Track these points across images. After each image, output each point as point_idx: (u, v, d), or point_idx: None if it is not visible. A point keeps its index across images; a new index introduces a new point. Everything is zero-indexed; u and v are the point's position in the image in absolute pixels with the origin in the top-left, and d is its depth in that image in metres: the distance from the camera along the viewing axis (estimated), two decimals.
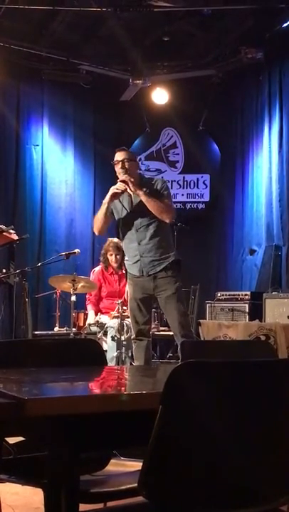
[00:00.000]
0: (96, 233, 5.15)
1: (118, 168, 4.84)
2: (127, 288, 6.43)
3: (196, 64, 8.13)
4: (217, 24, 7.28)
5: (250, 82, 8.17)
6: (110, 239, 6.81)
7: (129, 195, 4.85)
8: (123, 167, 4.79)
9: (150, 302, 4.92)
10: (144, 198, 4.71)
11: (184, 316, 4.87)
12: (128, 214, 4.85)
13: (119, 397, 1.68)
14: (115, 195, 4.80)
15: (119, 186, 4.77)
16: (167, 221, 4.80)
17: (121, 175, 4.80)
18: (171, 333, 5.16)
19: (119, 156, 4.88)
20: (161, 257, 4.79)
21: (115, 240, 6.76)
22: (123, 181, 4.75)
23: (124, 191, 4.78)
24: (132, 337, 4.98)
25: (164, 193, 4.84)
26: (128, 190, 4.76)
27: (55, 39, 7.66)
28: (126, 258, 5.01)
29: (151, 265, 4.78)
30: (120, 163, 4.83)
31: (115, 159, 4.89)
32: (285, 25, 6.98)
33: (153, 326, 5.94)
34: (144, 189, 4.75)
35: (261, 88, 7.97)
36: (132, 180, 4.72)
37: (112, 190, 4.80)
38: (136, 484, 1.51)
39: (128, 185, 4.71)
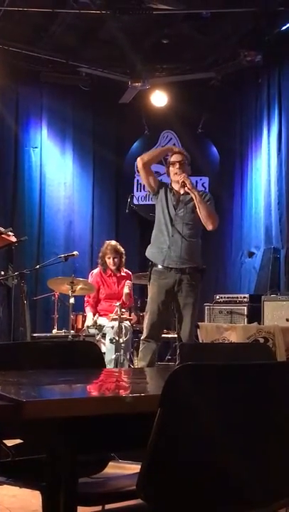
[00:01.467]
0: (138, 163, 5.18)
1: (175, 169, 5.03)
2: (126, 289, 6.46)
3: (196, 67, 8.14)
4: (216, 27, 7.28)
5: (249, 84, 8.17)
6: (108, 242, 6.82)
7: (177, 192, 5.04)
8: (181, 167, 5.00)
9: (171, 305, 4.98)
10: (198, 199, 4.91)
11: (194, 325, 5.00)
12: (172, 207, 5.00)
13: (117, 399, 1.68)
14: (171, 151, 5.24)
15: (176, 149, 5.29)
16: (210, 227, 4.97)
17: (177, 175, 4.99)
18: (170, 335, 5.18)
19: (176, 157, 5.09)
20: (187, 257, 4.91)
21: (113, 242, 6.77)
22: (181, 181, 4.97)
23: (174, 162, 5.05)
24: (142, 337, 5.00)
25: (212, 203, 5.08)
26: (177, 186, 5.01)
27: (55, 41, 7.66)
28: (150, 246, 5.09)
29: (175, 259, 4.88)
30: (178, 163, 5.03)
31: (172, 160, 5.09)
32: (284, 28, 6.99)
33: None
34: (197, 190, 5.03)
35: (260, 91, 7.98)
36: (190, 180, 4.96)
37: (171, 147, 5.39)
38: (134, 487, 1.51)
39: (185, 183, 4.92)
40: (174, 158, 5.10)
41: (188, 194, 4.99)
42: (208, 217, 4.91)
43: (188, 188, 4.93)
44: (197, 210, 4.93)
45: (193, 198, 4.93)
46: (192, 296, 4.89)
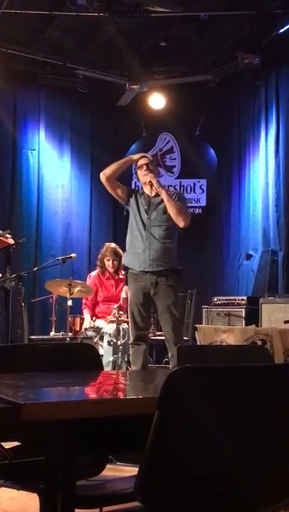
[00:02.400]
0: (102, 178, 5.19)
1: (142, 171, 5.07)
2: (123, 294, 6.46)
3: (193, 69, 8.15)
4: (214, 29, 7.29)
5: (247, 87, 8.18)
6: (108, 244, 6.82)
7: (148, 196, 5.08)
8: (148, 169, 5.04)
9: (150, 307, 5.00)
10: (165, 197, 4.95)
11: (179, 325, 5.04)
12: (143, 212, 5.03)
13: (115, 401, 1.68)
14: (131, 161, 5.27)
15: (136, 157, 5.24)
16: (182, 224, 4.96)
17: (145, 177, 5.04)
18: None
19: (143, 160, 5.14)
20: (163, 259, 4.91)
21: (113, 245, 6.77)
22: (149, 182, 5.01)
23: (138, 162, 5.13)
24: (130, 341, 5.01)
25: (182, 199, 5.15)
26: (150, 190, 5.03)
27: (52, 44, 7.66)
28: (126, 252, 5.11)
29: (150, 263, 4.90)
30: (145, 166, 5.07)
31: (139, 164, 5.14)
32: (281, 30, 7.00)
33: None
34: (166, 189, 5.05)
35: (258, 93, 7.99)
36: (157, 179, 5.00)
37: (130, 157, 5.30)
38: (132, 489, 1.50)
39: (152, 184, 4.96)
40: (140, 161, 5.15)
41: (159, 196, 5.01)
42: (178, 214, 4.92)
43: (156, 188, 4.97)
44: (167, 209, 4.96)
45: (162, 196, 4.96)
46: (170, 297, 4.89)
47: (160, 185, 5.01)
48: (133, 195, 5.14)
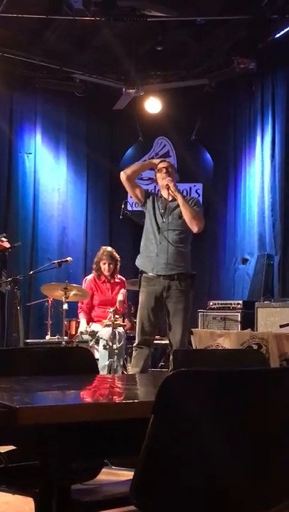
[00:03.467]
0: (122, 177, 5.22)
1: (162, 174, 5.14)
2: (120, 297, 6.45)
3: (189, 74, 8.16)
4: (210, 34, 7.31)
5: (243, 92, 8.20)
6: (104, 247, 6.83)
7: (166, 200, 5.12)
8: (167, 172, 5.11)
9: (161, 313, 5.01)
10: (181, 201, 5.00)
11: (185, 330, 5.02)
12: (159, 215, 5.07)
13: (110, 405, 1.67)
14: (151, 164, 5.39)
15: (157, 161, 5.37)
16: (195, 229, 5.00)
17: (164, 180, 5.09)
18: (163, 341, 5.19)
19: (162, 164, 5.23)
20: (175, 264, 4.94)
21: (109, 248, 6.77)
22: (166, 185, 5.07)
23: (158, 168, 5.20)
24: (134, 344, 5.02)
25: (198, 205, 5.18)
26: (167, 193, 5.07)
27: (49, 48, 7.67)
28: (139, 255, 5.14)
29: (163, 267, 4.92)
30: (164, 169, 5.14)
31: (159, 167, 5.21)
32: (277, 35, 7.01)
33: None
34: (183, 194, 5.16)
35: (254, 98, 8.01)
36: (174, 183, 5.06)
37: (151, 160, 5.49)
38: (127, 493, 1.50)
39: (169, 187, 5.02)
40: (160, 165, 5.22)
41: (175, 200, 5.05)
42: (193, 219, 4.96)
43: (172, 191, 5.01)
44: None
45: (177, 200, 5.00)
46: (182, 302, 4.90)
47: (177, 189, 5.05)
48: (150, 197, 5.18)
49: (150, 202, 5.15)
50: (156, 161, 5.41)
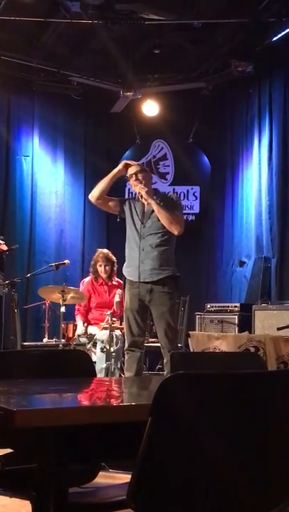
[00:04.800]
0: (91, 200, 5.15)
1: (132, 181, 5.01)
2: (116, 298, 6.45)
3: (187, 77, 8.17)
4: (208, 37, 7.32)
5: (240, 95, 8.22)
6: (100, 250, 6.82)
7: (143, 204, 5.01)
8: (137, 179, 4.96)
9: (146, 314, 4.98)
10: (155, 207, 4.87)
11: (174, 332, 4.98)
12: (138, 221, 4.98)
13: (108, 408, 1.67)
14: (117, 174, 5.07)
15: (119, 167, 5.09)
16: (176, 233, 4.92)
17: (136, 187, 4.97)
18: (159, 344, 5.16)
19: (131, 170, 5.05)
20: (161, 268, 4.88)
21: (105, 250, 6.77)
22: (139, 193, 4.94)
23: (125, 173, 5.01)
24: (125, 348, 5.01)
25: (176, 206, 5.04)
26: (142, 199, 4.96)
27: (47, 50, 7.67)
28: (125, 264, 5.07)
29: (149, 273, 4.87)
30: (134, 175, 4.99)
31: (128, 173, 5.04)
32: (275, 38, 7.03)
33: None
34: (156, 199, 4.93)
35: (251, 101, 8.02)
36: (146, 189, 4.91)
37: (121, 166, 5.09)
38: (125, 497, 1.50)
39: (142, 195, 4.91)
40: (129, 171, 5.06)
41: None
42: (170, 223, 4.86)
43: (145, 199, 4.91)
44: None
45: (152, 207, 4.89)
46: (166, 303, 4.84)
47: (150, 195, 4.90)
48: (126, 204, 5.07)
49: (127, 209, 5.04)
50: (119, 166, 5.13)
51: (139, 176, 4.97)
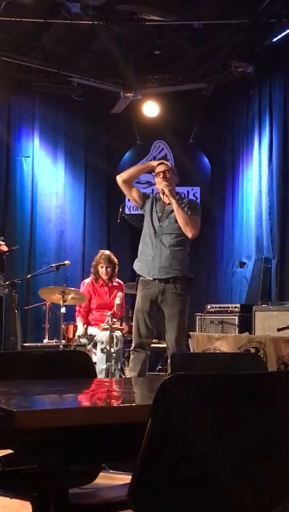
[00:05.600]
0: (118, 180, 5.22)
1: (159, 178, 5.10)
2: (117, 300, 6.45)
3: (187, 77, 8.17)
4: (208, 38, 7.32)
5: (241, 96, 8.22)
6: (102, 251, 6.82)
7: (164, 203, 5.09)
8: (164, 177, 5.06)
9: (156, 316, 4.99)
10: (175, 206, 4.95)
11: (182, 334, 5.00)
12: (156, 219, 5.05)
13: (108, 409, 1.67)
14: (150, 167, 5.29)
15: (155, 163, 5.26)
16: (190, 235, 4.97)
17: (160, 184, 5.06)
18: (161, 345, 5.19)
19: (160, 167, 5.15)
20: (171, 267, 4.92)
21: (107, 252, 6.76)
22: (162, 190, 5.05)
23: (155, 170, 5.13)
24: (131, 348, 5.02)
25: (195, 209, 5.12)
26: (164, 197, 5.05)
27: (47, 51, 7.68)
28: (137, 259, 5.12)
29: (159, 270, 4.91)
30: (162, 173, 5.09)
31: (157, 170, 5.14)
32: (275, 39, 7.03)
33: None
34: (178, 199, 5.04)
35: (251, 102, 8.03)
36: (170, 188, 5.00)
37: (156, 163, 5.24)
38: (125, 497, 1.50)
39: (164, 192, 4.99)
40: (158, 168, 5.16)
41: None
42: (186, 224, 4.93)
43: (166, 196, 4.99)
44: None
45: (172, 205, 4.97)
46: (177, 305, 4.88)
47: (172, 194, 5.00)
48: (149, 200, 5.16)
49: (148, 205, 5.14)
50: (154, 163, 5.34)
51: (167, 174, 5.07)
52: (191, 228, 4.95)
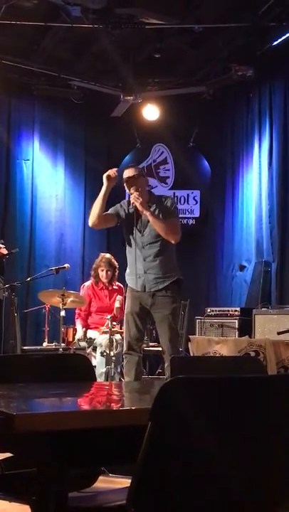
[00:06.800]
0: (91, 226, 5.02)
1: (127, 189, 4.88)
2: (117, 304, 6.45)
3: (187, 81, 8.19)
4: (208, 42, 7.34)
5: (241, 99, 8.23)
6: (102, 254, 6.81)
7: (140, 213, 4.85)
8: (130, 185, 4.80)
9: (146, 318, 4.95)
10: (151, 219, 4.77)
11: (176, 336, 4.94)
12: (136, 230, 4.87)
13: (108, 413, 1.67)
14: (107, 188, 4.77)
15: (104, 180, 4.78)
16: (172, 242, 4.84)
17: (131, 197, 4.80)
18: (160, 348, 5.15)
19: (126, 173, 4.88)
20: (165, 276, 4.83)
21: (107, 255, 6.75)
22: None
23: (115, 182, 4.79)
24: (124, 351, 4.97)
25: (172, 213, 4.91)
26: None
27: (47, 55, 7.69)
28: (128, 272, 4.99)
29: (154, 282, 4.82)
30: (126, 183, 4.85)
31: (124, 179, 4.87)
32: (275, 43, 7.04)
33: None
34: (152, 209, 4.80)
35: (251, 105, 8.04)
36: (140, 200, 4.74)
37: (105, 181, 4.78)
38: (124, 501, 1.50)
39: (136, 205, 4.76)
40: (124, 174, 4.87)
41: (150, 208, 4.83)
42: (167, 233, 4.77)
43: (140, 211, 4.79)
44: None
45: (148, 217, 4.77)
46: (168, 307, 4.79)
47: (144, 207, 4.75)
48: (122, 212, 4.91)
49: (124, 218, 4.91)
50: (105, 182, 4.78)
51: (132, 190, 4.79)
52: (172, 235, 4.80)
